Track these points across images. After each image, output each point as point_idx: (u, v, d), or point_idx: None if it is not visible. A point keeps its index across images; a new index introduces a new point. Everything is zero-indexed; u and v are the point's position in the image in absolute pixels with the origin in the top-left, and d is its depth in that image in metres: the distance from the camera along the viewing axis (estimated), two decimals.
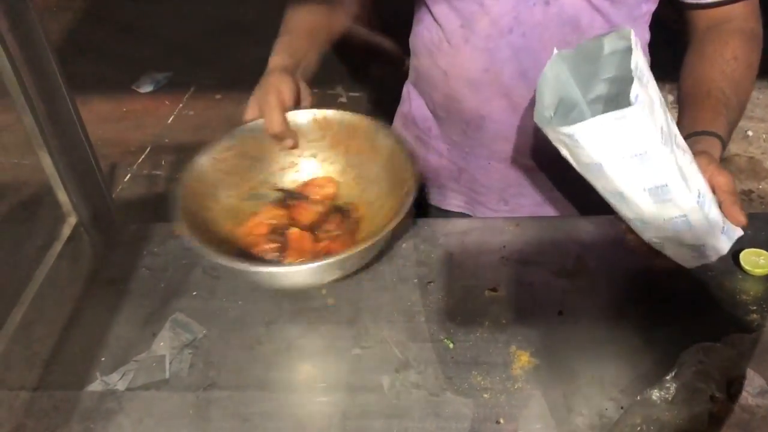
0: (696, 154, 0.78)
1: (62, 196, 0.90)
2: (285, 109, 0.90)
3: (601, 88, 0.83)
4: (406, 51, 1.14)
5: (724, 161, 2.68)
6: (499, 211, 1.13)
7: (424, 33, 1.05)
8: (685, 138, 0.82)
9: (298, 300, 0.90)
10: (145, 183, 2.71)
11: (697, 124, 0.87)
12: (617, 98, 0.79)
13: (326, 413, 0.77)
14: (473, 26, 0.96)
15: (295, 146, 0.94)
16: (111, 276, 0.95)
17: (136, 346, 0.85)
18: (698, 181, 0.75)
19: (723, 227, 0.79)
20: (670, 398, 0.69)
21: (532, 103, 0.99)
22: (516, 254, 0.95)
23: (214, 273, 0.94)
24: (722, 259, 0.90)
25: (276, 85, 0.90)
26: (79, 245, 0.93)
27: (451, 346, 0.83)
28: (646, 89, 0.69)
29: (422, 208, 1.21)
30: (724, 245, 0.80)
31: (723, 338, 0.77)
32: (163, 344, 0.85)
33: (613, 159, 0.71)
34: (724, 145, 0.84)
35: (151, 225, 1.03)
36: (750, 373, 0.74)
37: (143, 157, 2.85)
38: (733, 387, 0.71)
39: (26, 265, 0.86)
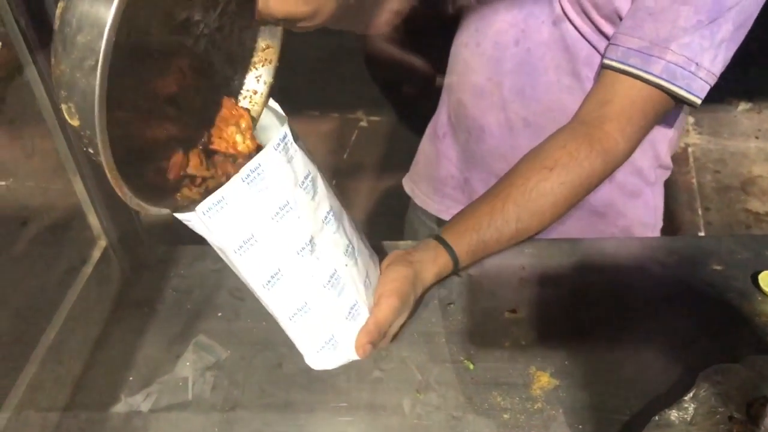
0: (406, 263, 0.80)
1: (93, 220, 0.92)
2: None
3: None
4: (436, 69, 1.17)
5: (747, 182, 2.67)
6: None
7: (457, 34, 1.08)
8: (432, 236, 0.86)
9: None
10: None
11: (451, 228, 0.88)
12: None
13: None
14: (485, 31, 0.99)
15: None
16: (139, 298, 0.97)
17: (161, 368, 0.87)
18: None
19: (333, 338, 0.70)
20: (688, 419, 0.69)
21: (527, 123, 1.01)
22: (535, 276, 0.96)
23: (238, 294, 0.96)
24: (741, 280, 0.92)
25: None
26: (108, 268, 0.96)
27: (471, 367, 0.84)
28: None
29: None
30: (326, 358, 0.72)
31: (742, 359, 0.77)
32: (187, 366, 0.87)
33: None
34: (456, 262, 0.84)
35: (178, 247, 1.05)
36: None
37: None
38: (753, 408, 0.71)
39: (57, 288, 0.88)
